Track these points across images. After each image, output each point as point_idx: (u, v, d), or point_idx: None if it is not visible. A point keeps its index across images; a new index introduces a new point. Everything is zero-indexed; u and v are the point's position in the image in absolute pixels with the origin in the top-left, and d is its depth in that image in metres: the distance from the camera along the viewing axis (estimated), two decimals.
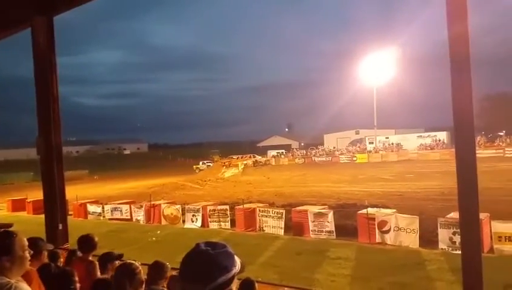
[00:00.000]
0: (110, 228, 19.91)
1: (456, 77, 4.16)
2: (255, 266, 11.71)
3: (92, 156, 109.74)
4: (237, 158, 64.32)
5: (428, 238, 13.90)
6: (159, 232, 18.85)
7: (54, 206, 7.84)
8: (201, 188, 38.52)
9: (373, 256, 13.18)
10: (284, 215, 17.05)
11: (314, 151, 63.26)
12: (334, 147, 66.40)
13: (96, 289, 3.49)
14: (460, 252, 4.29)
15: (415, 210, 16.41)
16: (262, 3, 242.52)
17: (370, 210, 15.49)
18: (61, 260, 4.77)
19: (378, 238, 14.62)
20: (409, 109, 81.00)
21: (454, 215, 12.75)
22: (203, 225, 19.40)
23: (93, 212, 24.12)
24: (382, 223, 14.67)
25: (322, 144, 75.51)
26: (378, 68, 57.23)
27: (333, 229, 15.67)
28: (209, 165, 63.14)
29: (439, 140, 54.63)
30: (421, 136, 58.30)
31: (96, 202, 25.18)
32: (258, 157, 65.01)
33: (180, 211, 20.52)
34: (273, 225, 17.29)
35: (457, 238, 12.34)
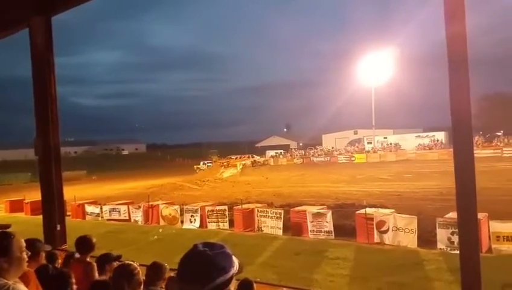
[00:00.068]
0: (108, 228, 19.88)
1: (453, 77, 4.16)
2: (253, 267, 11.72)
3: (90, 156, 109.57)
4: (236, 158, 64.37)
5: (426, 238, 13.92)
6: (161, 230, 18.96)
7: (52, 207, 7.81)
8: (199, 189, 38.48)
9: (371, 256, 13.19)
10: (282, 216, 17.05)
11: (313, 151, 63.33)
12: (332, 147, 66.50)
13: None
14: (458, 252, 4.29)
15: (414, 210, 16.43)
16: (261, 4, 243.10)
17: (368, 210, 15.51)
18: (59, 261, 4.76)
19: (376, 238, 14.63)
20: (407, 109, 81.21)
21: (453, 215, 12.77)
22: (201, 226, 19.38)
23: (91, 213, 24.07)
24: (380, 223, 14.68)
25: (321, 144, 75.62)
26: (376, 68, 57.32)
27: (332, 229, 15.68)
28: (209, 166, 63.17)
29: (438, 140, 54.75)
30: (419, 136, 58.42)
31: (94, 203, 25.12)
32: (257, 158, 65.06)
33: (179, 211, 20.50)
34: (271, 225, 17.28)
35: (455, 238, 12.37)
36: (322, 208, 17.16)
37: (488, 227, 12.70)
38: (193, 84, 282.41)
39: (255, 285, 4.01)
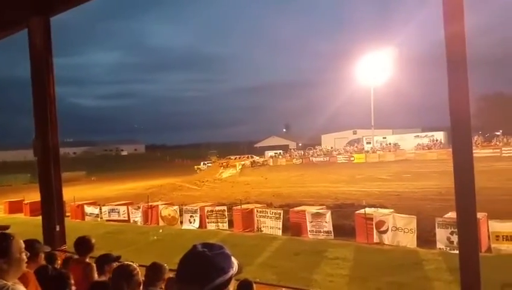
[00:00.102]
0: (107, 229, 19.87)
1: (452, 77, 4.17)
2: (253, 267, 11.72)
3: (89, 157, 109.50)
4: (235, 159, 64.44)
5: (426, 238, 13.93)
6: (161, 230, 18.99)
7: (51, 208, 7.81)
8: (199, 189, 38.48)
9: (371, 256, 13.19)
10: (281, 216, 17.06)
11: (312, 151, 63.30)
12: (331, 147, 66.49)
13: None
14: (458, 251, 4.29)
15: (413, 210, 16.43)
16: (260, 4, 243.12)
17: (368, 210, 15.51)
18: (59, 262, 4.75)
19: (376, 238, 14.64)
20: (406, 109, 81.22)
21: (452, 215, 12.77)
22: (201, 226, 19.38)
23: (90, 213, 24.06)
24: (380, 223, 14.69)
25: (320, 144, 75.55)
26: (375, 68, 57.33)
27: (331, 229, 15.69)
28: (209, 166, 63.22)
29: (437, 140, 54.77)
30: (418, 136, 58.43)
31: (93, 204, 25.11)
32: (256, 158, 65.09)
33: (178, 212, 20.50)
34: (271, 225, 17.29)
35: (455, 238, 12.38)
36: (321, 208, 17.16)
37: (488, 227, 12.71)
38: (192, 85, 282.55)
39: (254, 285, 4.02)
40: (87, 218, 23.94)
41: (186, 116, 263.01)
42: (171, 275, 3.71)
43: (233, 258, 1.37)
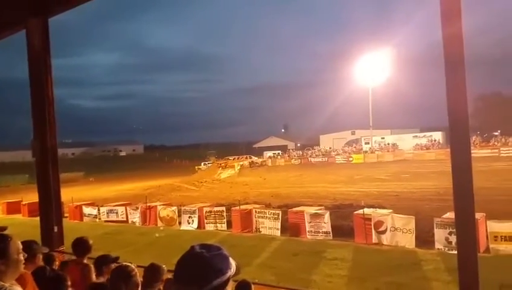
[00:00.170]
0: (105, 230, 19.84)
1: (450, 77, 4.17)
2: (251, 268, 11.71)
3: (87, 158, 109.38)
4: (233, 159, 64.48)
5: (424, 238, 13.93)
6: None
7: (49, 209, 7.80)
8: (197, 190, 38.46)
9: (369, 256, 13.19)
10: (280, 216, 17.05)
11: (311, 151, 63.37)
12: (330, 148, 66.60)
13: None
14: (456, 252, 4.30)
15: (411, 210, 16.44)
16: (258, 5, 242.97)
17: (366, 210, 15.50)
18: (57, 263, 4.74)
19: (374, 239, 14.64)
20: (404, 109, 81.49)
21: (450, 215, 12.79)
22: (199, 227, 19.36)
23: (88, 214, 24.01)
24: (378, 224, 14.69)
25: (318, 145, 75.65)
26: (374, 69, 57.44)
27: (330, 229, 15.68)
28: (209, 166, 63.22)
29: (435, 140, 54.89)
30: (416, 136, 58.55)
31: (92, 204, 25.07)
32: (254, 158, 65.17)
33: (176, 212, 20.47)
34: (269, 226, 17.28)
35: (453, 238, 12.38)
36: (320, 209, 17.15)
37: (486, 227, 12.72)
38: (191, 86, 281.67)
39: (253, 286, 4.01)
40: (85, 219, 23.88)
41: (185, 117, 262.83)
42: (170, 276, 3.71)
43: (231, 259, 1.37)
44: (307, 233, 16.12)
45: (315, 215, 16.14)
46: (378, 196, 25.05)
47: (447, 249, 12.87)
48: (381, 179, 34.49)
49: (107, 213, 23.11)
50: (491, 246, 12.68)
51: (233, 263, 1.37)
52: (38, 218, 8.12)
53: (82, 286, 3.79)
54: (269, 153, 71.47)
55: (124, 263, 3.41)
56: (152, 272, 3.64)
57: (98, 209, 23.73)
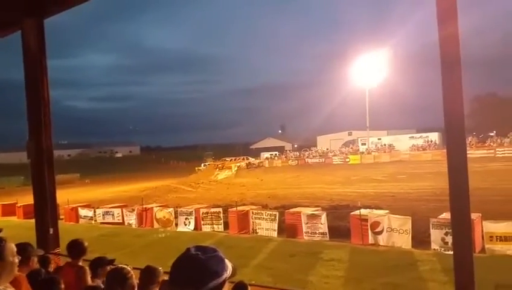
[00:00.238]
0: (101, 232, 19.78)
1: (446, 78, 4.18)
2: (248, 269, 11.70)
3: (83, 159, 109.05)
4: (230, 160, 64.41)
5: (420, 239, 13.98)
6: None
7: (45, 211, 7.74)
8: (194, 191, 38.40)
9: (366, 257, 13.21)
10: (277, 218, 17.04)
11: (308, 152, 63.50)
12: (327, 149, 66.69)
13: None
14: (452, 252, 4.30)
15: (408, 211, 16.48)
16: (255, 5, 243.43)
17: (363, 211, 15.54)
18: (52, 265, 4.71)
19: (371, 240, 14.67)
20: (400, 110, 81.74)
21: (446, 215, 12.83)
22: (196, 228, 19.33)
23: (84, 216, 23.92)
24: (375, 224, 14.72)
25: (315, 146, 75.74)
26: (370, 70, 57.56)
27: (326, 230, 15.69)
28: (206, 167, 63.13)
29: (431, 141, 55.09)
30: (413, 137, 58.75)
31: (87, 206, 24.99)
32: (251, 160, 65.17)
33: (173, 214, 20.42)
34: (266, 227, 17.26)
35: (449, 239, 12.41)
36: (317, 210, 17.16)
37: (482, 227, 12.78)
38: (188, 87, 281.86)
39: (249, 288, 4.00)
40: (81, 221, 23.79)
41: (182, 118, 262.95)
42: (166, 278, 3.69)
43: (227, 261, 1.36)
44: (304, 234, 16.13)
45: (312, 216, 16.14)
46: (375, 196, 25.10)
47: (443, 249, 12.90)
48: (377, 179, 34.56)
49: (103, 215, 23.03)
50: (486, 246, 12.74)
51: (229, 265, 1.36)
52: (33, 220, 8.06)
53: (77, 288, 3.76)
54: (266, 154, 71.52)
55: (120, 265, 3.39)
56: (148, 274, 3.62)
57: (94, 211, 23.66)
